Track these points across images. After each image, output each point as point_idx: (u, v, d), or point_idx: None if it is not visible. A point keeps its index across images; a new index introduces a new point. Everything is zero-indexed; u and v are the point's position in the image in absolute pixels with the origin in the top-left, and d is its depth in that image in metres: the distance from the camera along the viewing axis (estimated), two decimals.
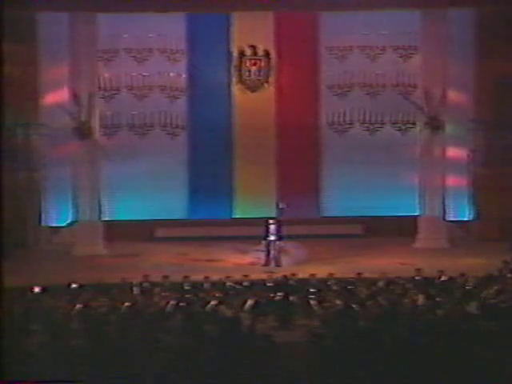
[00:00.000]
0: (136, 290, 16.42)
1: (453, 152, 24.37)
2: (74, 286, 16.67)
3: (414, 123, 24.96)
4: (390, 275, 17.45)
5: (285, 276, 17.21)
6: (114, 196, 24.21)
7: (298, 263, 20.87)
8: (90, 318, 13.61)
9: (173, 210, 25.04)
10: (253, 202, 24.99)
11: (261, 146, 25.13)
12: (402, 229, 23.45)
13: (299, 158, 25.25)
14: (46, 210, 24.25)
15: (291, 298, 15.43)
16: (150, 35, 24.98)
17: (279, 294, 15.55)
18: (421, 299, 14.97)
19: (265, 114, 25.22)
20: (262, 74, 25.36)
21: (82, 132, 22.90)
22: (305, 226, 23.93)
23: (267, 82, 25.40)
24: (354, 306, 14.28)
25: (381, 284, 16.64)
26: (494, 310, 13.97)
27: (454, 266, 18.39)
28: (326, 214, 25.47)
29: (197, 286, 16.58)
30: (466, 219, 24.94)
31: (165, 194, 24.74)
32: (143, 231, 24.49)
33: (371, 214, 24.72)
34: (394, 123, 25.47)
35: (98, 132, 23.43)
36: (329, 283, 16.82)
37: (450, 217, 24.42)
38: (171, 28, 24.97)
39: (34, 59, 23.73)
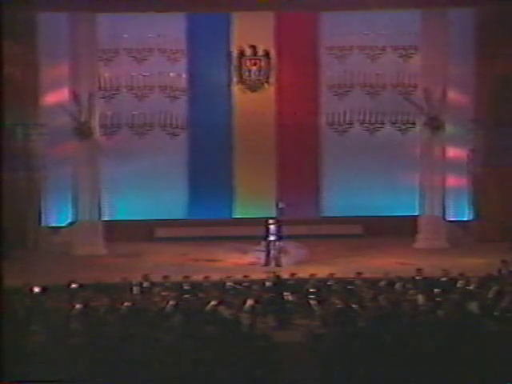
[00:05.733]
0: (136, 290, 16.43)
1: (453, 152, 24.35)
2: (73, 285, 16.68)
3: (413, 123, 24.96)
4: (390, 275, 17.44)
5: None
6: (114, 196, 24.21)
7: (297, 263, 20.86)
8: (89, 318, 13.62)
9: (173, 210, 25.02)
10: (253, 202, 24.98)
11: (261, 146, 25.13)
12: (402, 229, 23.43)
13: (299, 158, 25.25)
14: (45, 209, 24.24)
15: (291, 298, 15.44)
16: (150, 35, 24.95)
17: (274, 293, 15.57)
18: (421, 299, 14.98)
19: (265, 114, 25.21)
20: (262, 73, 25.35)
21: (82, 132, 22.91)
22: (305, 226, 23.93)
23: (267, 81, 25.39)
24: (354, 306, 14.28)
25: (381, 284, 16.65)
26: (494, 309, 13.97)
27: (454, 266, 18.38)
28: (326, 214, 25.45)
29: (197, 286, 16.58)
30: (466, 219, 24.92)
31: (165, 194, 24.73)
32: (143, 231, 24.48)
33: (371, 214, 24.70)
34: (394, 123, 25.45)
35: (98, 132, 23.44)
36: (329, 283, 16.82)
37: (450, 217, 24.41)
38: (171, 28, 24.96)
39: (34, 59, 23.69)
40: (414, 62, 24.85)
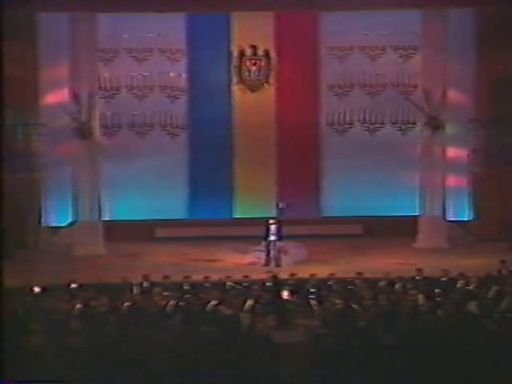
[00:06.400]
0: (136, 290, 16.43)
1: (453, 152, 24.37)
2: (73, 285, 16.68)
3: (414, 123, 24.98)
4: (391, 275, 17.44)
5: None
6: (114, 196, 24.22)
7: (298, 263, 20.86)
8: (89, 318, 13.62)
9: (173, 210, 25.02)
10: (253, 202, 24.99)
11: (261, 146, 25.13)
12: (402, 229, 23.42)
13: (299, 158, 25.25)
14: (45, 209, 24.25)
15: (291, 298, 15.44)
16: (150, 35, 24.98)
17: (274, 293, 15.59)
18: (421, 299, 14.98)
19: (265, 114, 25.21)
20: (262, 73, 25.36)
21: (82, 132, 22.91)
22: (305, 226, 23.93)
23: (267, 81, 25.40)
24: (354, 305, 14.28)
25: (381, 284, 16.65)
26: (494, 309, 13.97)
27: (454, 266, 18.38)
28: (326, 214, 25.46)
29: (197, 286, 16.58)
30: (466, 219, 24.94)
31: (165, 194, 24.74)
32: (143, 231, 24.48)
33: (371, 214, 24.71)
34: (394, 123, 25.46)
35: (98, 132, 23.44)
36: (329, 283, 16.83)
37: (450, 217, 24.42)
38: (171, 28, 24.97)
39: (34, 59, 23.71)
40: (413, 62, 24.87)
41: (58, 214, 24.48)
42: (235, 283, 16.99)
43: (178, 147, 25.38)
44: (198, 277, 17.58)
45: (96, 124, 23.29)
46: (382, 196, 24.76)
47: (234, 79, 25.36)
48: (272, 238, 21.23)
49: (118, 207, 24.47)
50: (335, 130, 25.60)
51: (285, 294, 15.37)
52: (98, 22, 23.09)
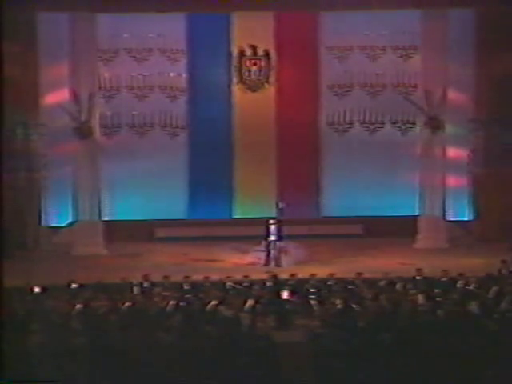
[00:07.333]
0: (136, 290, 16.43)
1: (453, 152, 24.37)
2: (73, 285, 16.68)
3: (414, 123, 24.98)
4: (391, 275, 17.44)
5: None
6: (114, 196, 24.22)
7: (298, 263, 20.87)
8: (89, 318, 13.62)
9: (173, 210, 25.03)
10: (253, 202, 24.99)
11: (261, 146, 25.13)
12: (402, 229, 23.42)
13: (299, 157, 25.25)
14: (45, 209, 24.24)
15: (291, 298, 15.45)
16: (150, 35, 24.98)
17: (274, 293, 15.60)
18: (421, 299, 14.98)
19: (265, 114, 25.22)
20: (262, 73, 25.36)
21: (82, 132, 22.91)
22: (305, 225, 23.94)
23: (267, 81, 25.40)
24: (354, 305, 14.29)
25: (381, 284, 16.65)
26: (494, 309, 13.97)
27: (453, 266, 18.38)
28: (326, 214, 25.47)
29: (197, 286, 16.59)
30: (466, 219, 24.94)
31: (165, 194, 24.74)
32: (143, 231, 24.49)
33: (371, 214, 24.71)
34: (394, 123, 25.47)
35: (98, 132, 23.44)
36: (329, 283, 16.83)
37: (450, 217, 24.42)
38: (171, 28, 24.97)
39: (34, 59, 23.71)
40: (414, 62, 24.86)
41: (57, 214, 24.48)
42: (235, 283, 17.00)
43: (177, 147, 25.38)
44: (198, 277, 17.58)
45: (96, 124, 23.30)
46: (382, 196, 24.77)
47: (234, 79, 25.37)
48: (272, 238, 21.23)
49: (118, 207, 24.47)
50: (335, 129, 25.60)
51: (285, 294, 15.37)
52: (98, 22, 23.10)
